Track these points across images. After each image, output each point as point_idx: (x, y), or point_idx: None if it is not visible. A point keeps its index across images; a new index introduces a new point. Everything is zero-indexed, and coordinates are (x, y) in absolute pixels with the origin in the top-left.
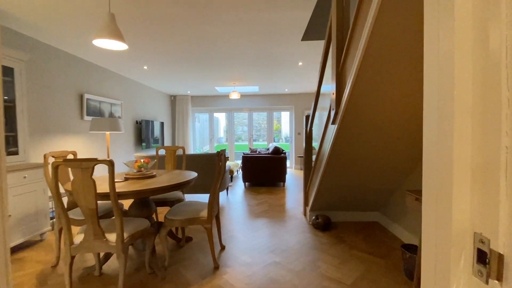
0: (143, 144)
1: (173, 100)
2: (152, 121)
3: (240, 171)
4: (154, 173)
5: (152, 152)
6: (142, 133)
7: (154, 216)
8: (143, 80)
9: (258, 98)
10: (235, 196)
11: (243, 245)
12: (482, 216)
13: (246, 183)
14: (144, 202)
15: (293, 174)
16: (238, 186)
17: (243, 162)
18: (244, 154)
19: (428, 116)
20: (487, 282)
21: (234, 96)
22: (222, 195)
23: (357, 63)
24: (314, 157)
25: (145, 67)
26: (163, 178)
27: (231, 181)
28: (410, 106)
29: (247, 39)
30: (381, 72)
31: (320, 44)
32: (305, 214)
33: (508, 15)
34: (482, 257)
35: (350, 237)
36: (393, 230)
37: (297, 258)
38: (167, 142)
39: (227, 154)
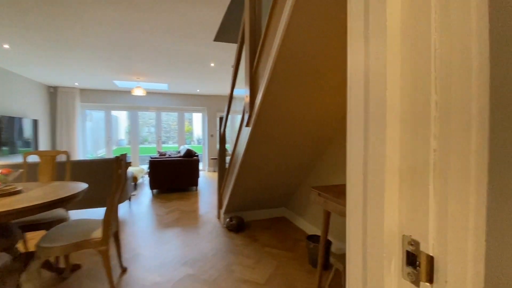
0: (4, 148)
1: (53, 92)
2: (20, 118)
3: (147, 177)
4: (20, 188)
5: (19, 159)
6: (2, 134)
7: (21, 245)
8: (4, 63)
9: (167, 97)
10: (140, 206)
11: (150, 262)
12: (411, 219)
13: (154, 190)
14: (2, 228)
15: (207, 177)
16: (144, 195)
17: (150, 167)
18: (151, 158)
19: (353, 119)
20: (418, 285)
21: (138, 92)
22: (124, 206)
23: (270, 68)
24: (228, 158)
25: (6, 46)
26: (33, 194)
27: (135, 189)
28: (318, 108)
29: (155, 30)
30: (293, 77)
31: (233, 46)
32: (219, 217)
33: (437, 19)
34: (411, 259)
35: (262, 235)
36: (298, 223)
37: (212, 265)
38: (44, 145)
39: (130, 158)
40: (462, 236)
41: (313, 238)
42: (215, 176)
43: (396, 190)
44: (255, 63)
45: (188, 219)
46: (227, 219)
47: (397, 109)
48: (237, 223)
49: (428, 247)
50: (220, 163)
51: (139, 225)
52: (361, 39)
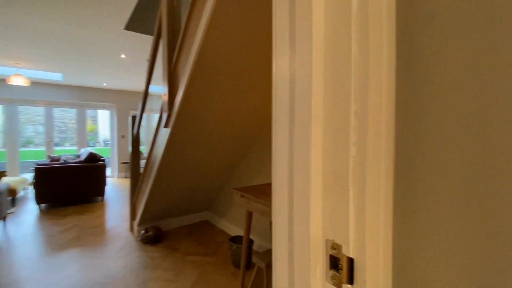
0: None
1: None
2: None
3: (31, 189)
4: None
5: None
6: None
7: None
8: None
9: (62, 90)
10: (21, 227)
11: None
12: (334, 224)
13: (42, 204)
14: None
15: (116, 184)
16: (27, 212)
17: (36, 176)
18: (38, 164)
19: (279, 125)
20: (340, 287)
21: (18, 82)
22: None
23: (191, 65)
24: (143, 162)
25: None
26: None
27: (13, 205)
28: (242, 108)
29: (46, 9)
30: (216, 76)
31: (149, 38)
32: (132, 230)
33: (356, 31)
34: (334, 263)
35: (183, 243)
36: (221, 226)
37: (123, 287)
38: None
39: (5, 166)
40: (376, 238)
41: (236, 239)
42: (127, 182)
43: (320, 196)
44: (174, 59)
45: (91, 236)
46: (142, 231)
47: (321, 116)
48: (154, 234)
49: (349, 250)
50: (133, 167)
51: (19, 251)
52: (286, 44)
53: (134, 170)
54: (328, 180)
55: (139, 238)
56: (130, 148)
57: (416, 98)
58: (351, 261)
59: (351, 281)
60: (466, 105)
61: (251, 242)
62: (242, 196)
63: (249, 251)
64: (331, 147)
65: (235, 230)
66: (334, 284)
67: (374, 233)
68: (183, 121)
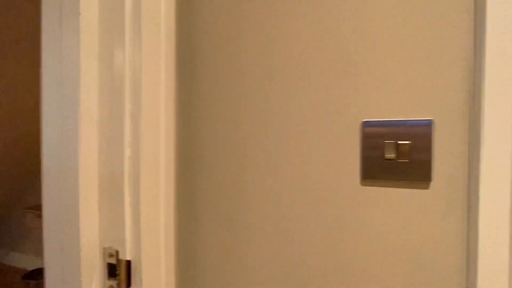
0: None
1: None
2: None
3: None
4: None
5: None
6: None
7: None
8: None
9: None
10: None
11: None
12: (110, 229)
13: None
14: None
15: None
16: None
17: None
18: None
19: (49, 121)
20: None
21: None
22: None
23: None
24: None
25: None
26: None
27: None
28: (25, 104)
29: None
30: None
31: None
32: None
33: (130, 33)
34: (113, 271)
35: None
36: (12, 261)
37: None
38: None
39: None
40: (154, 236)
41: (36, 274)
42: None
43: (95, 202)
44: None
45: None
46: None
47: (95, 113)
48: None
49: (126, 253)
50: None
51: None
52: (56, 32)
53: None
54: (105, 183)
55: None
56: None
57: (193, 101)
58: (128, 263)
59: (129, 283)
60: (224, 109)
61: None
62: (39, 216)
63: None
64: (106, 148)
65: (35, 261)
66: None
67: (152, 232)
68: None
